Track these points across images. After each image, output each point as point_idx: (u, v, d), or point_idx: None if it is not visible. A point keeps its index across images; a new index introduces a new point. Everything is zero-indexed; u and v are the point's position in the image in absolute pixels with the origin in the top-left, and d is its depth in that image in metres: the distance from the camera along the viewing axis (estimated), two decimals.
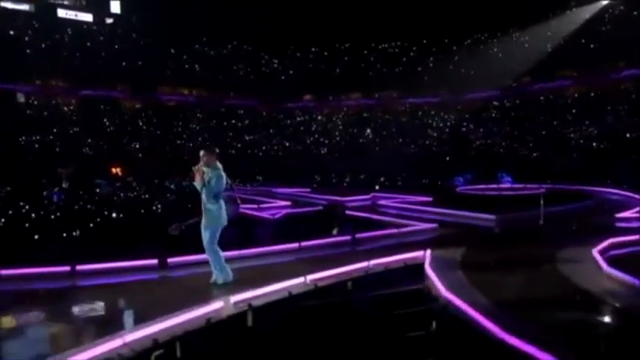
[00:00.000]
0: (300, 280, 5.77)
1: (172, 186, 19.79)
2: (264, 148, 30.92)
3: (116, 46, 33.81)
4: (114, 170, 26.74)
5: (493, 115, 30.48)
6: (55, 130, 28.13)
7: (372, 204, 13.78)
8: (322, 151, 32.24)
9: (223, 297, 5.13)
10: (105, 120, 31.14)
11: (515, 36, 32.77)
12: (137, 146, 29.41)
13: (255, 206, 13.13)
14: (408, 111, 34.85)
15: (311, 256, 7.43)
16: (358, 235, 8.51)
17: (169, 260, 6.80)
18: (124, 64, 33.28)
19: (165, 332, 4.24)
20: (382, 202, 14.11)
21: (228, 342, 4.44)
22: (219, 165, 5.59)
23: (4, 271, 6.34)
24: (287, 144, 33.14)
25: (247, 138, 31.48)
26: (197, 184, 5.49)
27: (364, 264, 6.44)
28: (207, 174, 5.50)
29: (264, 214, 11.87)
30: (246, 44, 36.60)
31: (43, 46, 31.39)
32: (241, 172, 22.69)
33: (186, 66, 35.41)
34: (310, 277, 5.83)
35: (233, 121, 34.58)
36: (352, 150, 30.37)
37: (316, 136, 33.70)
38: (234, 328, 4.57)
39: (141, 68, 33.00)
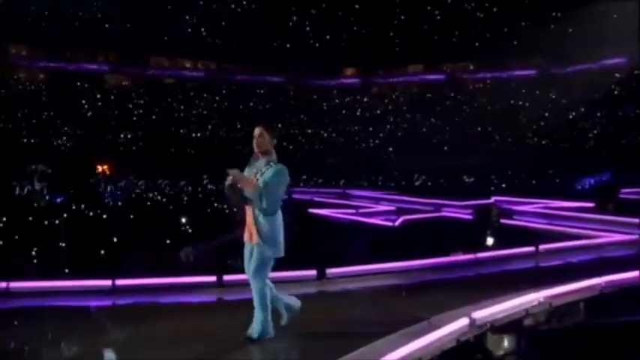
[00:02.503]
0: (533, 296, 6.47)
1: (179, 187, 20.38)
2: (292, 138, 31.62)
3: (96, 3, 34.56)
4: (100, 168, 27.54)
5: (616, 92, 30.55)
6: (19, 115, 29.26)
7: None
8: (370, 144, 32.95)
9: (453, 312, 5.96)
10: (83, 101, 31.98)
11: None
12: (128, 136, 30.40)
13: (353, 211, 14.77)
14: (490, 89, 35.22)
15: (493, 271, 8.42)
16: (543, 247, 9.40)
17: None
18: (106, 26, 34.19)
19: (420, 350, 5.03)
20: (517, 207, 15.07)
21: None
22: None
23: (37, 284, 7.07)
24: (323, 134, 33.80)
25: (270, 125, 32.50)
26: (249, 192, 4.90)
27: (596, 281, 7.09)
28: (260, 170, 4.98)
29: (376, 221, 13.37)
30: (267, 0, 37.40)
31: None
32: None
33: (189, 29, 36.39)
34: (544, 293, 6.57)
35: (251, 104, 35.51)
36: (412, 142, 31.04)
37: (362, 123, 34.44)
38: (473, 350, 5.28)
39: (128, 32, 33.87)
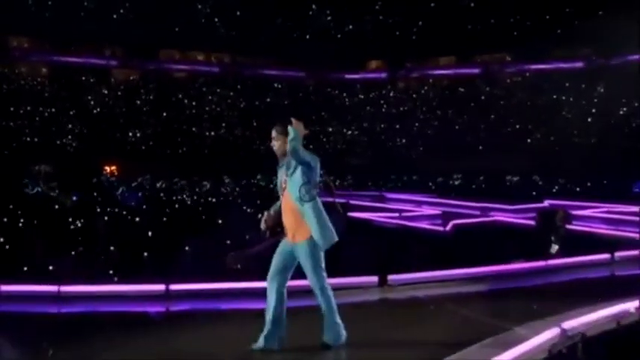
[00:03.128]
0: (623, 306, 6.54)
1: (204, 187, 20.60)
2: (312, 137, 30.76)
3: None
4: (108, 169, 28.08)
5: None
6: (21, 112, 29.58)
7: None
8: (398, 143, 33.07)
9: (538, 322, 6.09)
10: (89, 98, 32.44)
11: None
12: (137, 135, 30.70)
13: (396, 215, 15.29)
14: (529, 83, 34.97)
15: (566, 279, 8.61)
16: (619, 254, 9.49)
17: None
18: (113, 16, 34.37)
19: None
20: (576, 212, 15.24)
21: None
22: None
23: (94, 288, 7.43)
24: (346, 132, 33.94)
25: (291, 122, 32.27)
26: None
27: None
28: (292, 166, 5.28)
29: (424, 225, 13.87)
30: None
31: None
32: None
33: (202, 20, 36.32)
34: (635, 304, 6.61)
35: (268, 100, 35.69)
36: (443, 140, 31.01)
37: (389, 120, 34.53)
38: None
39: (137, 23, 33.83)
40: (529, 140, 30.73)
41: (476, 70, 36.97)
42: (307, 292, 5.40)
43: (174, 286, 7.30)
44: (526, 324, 6.08)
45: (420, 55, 37.76)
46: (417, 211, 16.88)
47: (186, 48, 37.03)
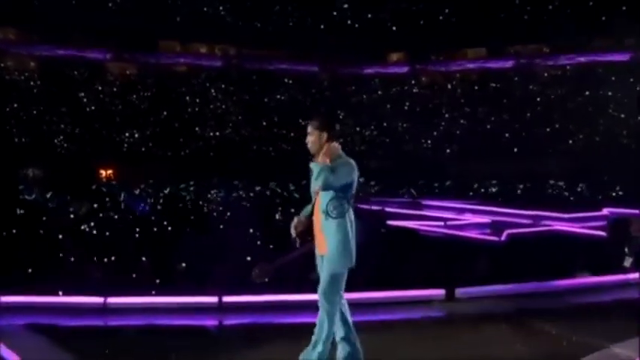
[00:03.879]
0: None
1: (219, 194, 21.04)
2: None
3: None
4: (103, 173, 28.18)
5: None
6: (7, 110, 29.61)
7: None
8: (423, 144, 33.00)
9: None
10: (81, 94, 32.55)
11: None
12: (135, 135, 30.75)
13: (441, 223, 15.60)
14: (569, 76, 34.81)
15: None
16: None
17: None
18: (109, 5, 34.57)
19: None
20: None
21: None
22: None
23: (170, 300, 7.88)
24: (365, 132, 33.83)
25: (300, 122, 31.05)
26: (316, 180, 5.19)
27: None
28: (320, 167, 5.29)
29: (475, 235, 14.21)
30: None
31: None
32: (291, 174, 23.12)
33: (204, 9, 36.32)
34: None
35: (278, 96, 35.78)
36: (473, 142, 31.10)
37: (412, 120, 34.35)
38: None
39: (134, 13, 33.83)
40: (570, 141, 30.68)
41: (509, 64, 36.54)
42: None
43: (227, 298, 7.69)
44: (622, 342, 6.04)
45: (446, 47, 37.45)
46: (462, 219, 17.13)
47: (187, 39, 36.86)
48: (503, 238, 13.57)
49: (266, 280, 5.47)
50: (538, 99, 34.01)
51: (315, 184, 5.09)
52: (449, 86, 37.16)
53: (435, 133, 33.30)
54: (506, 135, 31.85)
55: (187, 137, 31.25)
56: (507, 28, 35.06)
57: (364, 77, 38.02)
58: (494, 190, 26.18)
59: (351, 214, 5.15)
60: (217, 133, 32.44)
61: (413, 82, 37.66)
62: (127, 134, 30.80)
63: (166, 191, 21.81)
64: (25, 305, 7.62)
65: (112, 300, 7.71)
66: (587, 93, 32.94)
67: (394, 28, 37.48)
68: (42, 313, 7.49)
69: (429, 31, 36.48)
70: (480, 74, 37.07)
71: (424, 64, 37.87)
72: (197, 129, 32.19)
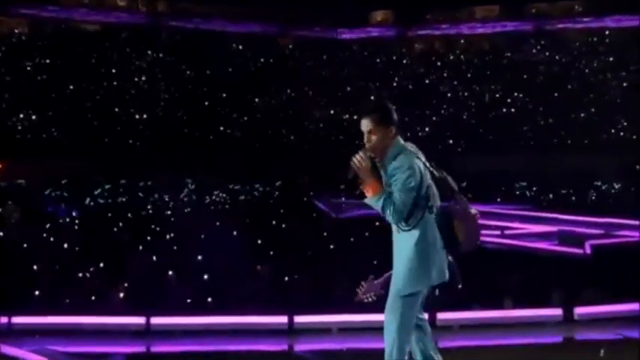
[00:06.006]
0: None
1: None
2: (290, 122, 29.88)
3: None
4: None
5: None
6: None
7: None
8: (419, 132, 29.48)
9: None
10: None
11: None
12: (32, 117, 27.57)
13: (497, 232, 17.16)
14: (611, 44, 31.80)
15: None
16: None
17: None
18: None
19: None
20: None
21: None
22: (407, 145, 5.03)
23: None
24: (341, 115, 30.57)
25: (255, 100, 30.25)
26: (371, 198, 4.95)
27: None
28: (387, 170, 5.04)
29: (546, 246, 16.35)
30: None
31: None
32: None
33: None
34: None
35: (224, 67, 32.34)
36: (483, 129, 28.80)
37: (401, 99, 30.14)
38: None
39: None
40: (613, 131, 27.92)
41: (529, 26, 33.34)
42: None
43: (299, 318, 10.21)
44: None
45: (445, 4, 34.32)
46: (521, 228, 18.45)
47: None
48: (587, 250, 14.67)
49: (374, 298, 5.40)
50: (571, 74, 30.87)
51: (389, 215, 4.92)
52: (450, 56, 33.75)
53: (434, 119, 30.22)
54: (527, 121, 29.15)
55: (103, 121, 27.62)
56: None
57: (339, 43, 34.71)
58: (530, 192, 25.18)
59: (429, 223, 4.88)
60: (145, 116, 29.17)
61: (403, 50, 34.63)
62: (17, 117, 27.24)
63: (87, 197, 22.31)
64: None
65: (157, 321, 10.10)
66: (633, 67, 29.89)
67: None
68: None
69: None
70: (491, 41, 34.15)
71: (417, 26, 34.94)
72: (116, 109, 28.81)
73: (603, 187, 25.50)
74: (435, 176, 5.02)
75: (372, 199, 4.83)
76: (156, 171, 24.78)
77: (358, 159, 4.79)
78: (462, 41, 34.24)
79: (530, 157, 26.64)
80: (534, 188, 25.32)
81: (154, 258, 14.59)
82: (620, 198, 23.73)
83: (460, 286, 5.34)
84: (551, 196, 24.60)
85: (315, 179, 24.52)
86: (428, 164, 5.02)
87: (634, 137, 27.16)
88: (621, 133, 28.04)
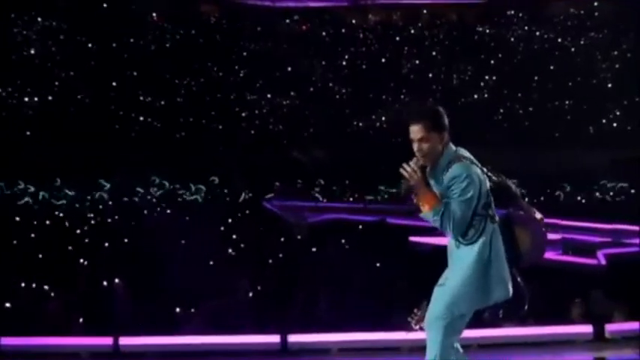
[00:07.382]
0: None
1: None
2: (214, 114, 28.17)
3: None
4: None
5: None
6: None
7: None
8: (374, 122, 29.01)
9: None
10: None
11: None
12: None
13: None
14: (603, 19, 29.91)
15: None
16: None
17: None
18: None
19: None
20: None
21: None
22: (460, 151, 5.04)
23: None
24: (279, 101, 29.09)
25: (174, 81, 28.39)
26: (428, 212, 4.99)
27: None
28: (440, 182, 5.09)
29: (558, 257, 16.23)
30: None
31: None
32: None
33: None
34: None
35: (136, 40, 29.92)
36: (454, 117, 27.00)
37: (353, 83, 29.70)
38: None
39: None
40: (615, 124, 26.09)
41: None
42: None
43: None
44: None
45: None
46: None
47: None
48: (602, 261, 15.23)
49: (418, 327, 5.48)
50: (556, 53, 28.94)
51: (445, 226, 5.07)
52: (411, 30, 31.57)
53: (392, 105, 28.06)
54: (508, 107, 27.55)
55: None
56: None
57: (276, 12, 32.13)
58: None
59: (493, 234, 4.95)
60: (35, 99, 26.51)
61: (354, 21, 32.24)
62: None
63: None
64: None
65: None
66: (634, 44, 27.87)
67: None
68: None
69: None
70: (460, 12, 32.03)
71: None
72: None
73: (597, 188, 24.01)
74: (493, 181, 5.18)
75: (429, 214, 5.00)
76: (59, 170, 22.38)
77: (410, 171, 4.96)
78: (425, 12, 32.02)
79: (507, 152, 24.05)
80: (531, 187, 22.41)
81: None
82: (619, 200, 22.86)
83: (526, 308, 5.29)
84: (542, 198, 22.48)
85: (252, 179, 23.52)
86: (485, 169, 5.13)
87: (628, 128, 25.62)
88: (614, 124, 26.48)
